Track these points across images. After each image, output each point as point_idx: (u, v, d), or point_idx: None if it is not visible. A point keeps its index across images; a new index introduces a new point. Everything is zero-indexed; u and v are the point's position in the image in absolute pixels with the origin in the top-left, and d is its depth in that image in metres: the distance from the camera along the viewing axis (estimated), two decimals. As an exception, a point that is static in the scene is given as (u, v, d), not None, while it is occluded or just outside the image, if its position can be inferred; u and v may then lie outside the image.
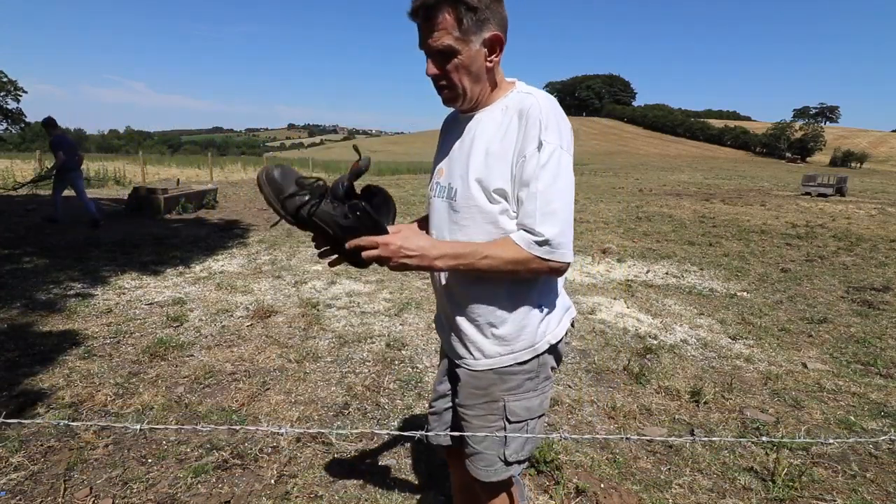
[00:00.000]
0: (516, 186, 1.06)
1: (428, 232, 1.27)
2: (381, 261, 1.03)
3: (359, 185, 1.11)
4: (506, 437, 1.22)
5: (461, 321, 1.20)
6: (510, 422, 1.22)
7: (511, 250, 1.04)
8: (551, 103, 1.08)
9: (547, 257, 1.03)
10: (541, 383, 1.24)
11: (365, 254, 1.04)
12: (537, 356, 1.20)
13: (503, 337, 1.17)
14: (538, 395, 1.24)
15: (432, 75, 1.09)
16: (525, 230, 1.04)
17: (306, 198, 1.05)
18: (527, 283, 1.15)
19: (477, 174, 1.10)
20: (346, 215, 1.03)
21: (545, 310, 1.19)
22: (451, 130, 1.24)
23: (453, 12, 1.01)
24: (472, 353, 1.21)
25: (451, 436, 1.39)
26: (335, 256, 1.13)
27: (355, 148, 1.09)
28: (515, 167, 1.06)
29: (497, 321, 1.16)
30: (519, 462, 1.26)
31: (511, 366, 1.19)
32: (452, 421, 1.38)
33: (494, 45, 1.08)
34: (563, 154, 1.04)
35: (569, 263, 1.07)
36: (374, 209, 1.05)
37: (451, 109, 1.25)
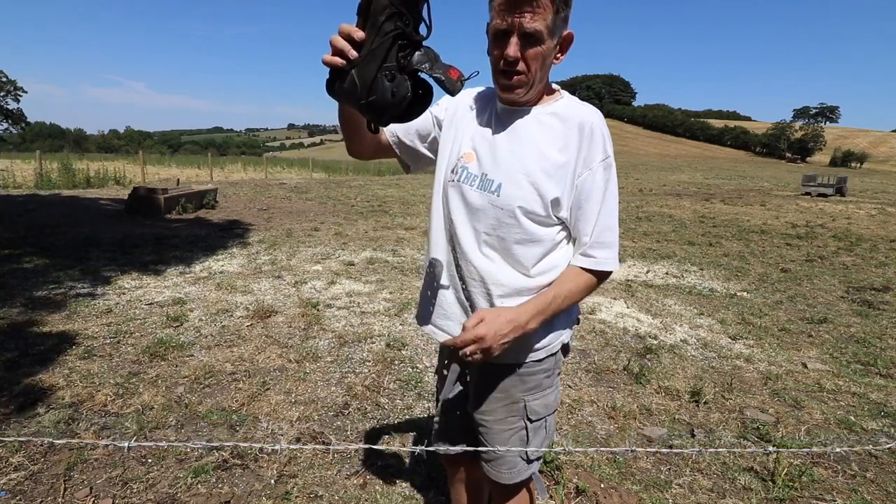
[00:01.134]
0: (577, 197, 1.10)
1: (445, 217, 1.19)
2: (484, 354, 1.05)
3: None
4: (527, 436, 1.23)
5: None
6: (531, 420, 1.23)
7: (585, 278, 1.12)
8: (604, 120, 1.14)
9: (603, 270, 1.12)
10: (555, 379, 1.27)
11: (468, 356, 1.04)
12: (552, 355, 1.22)
13: (522, 339, 1.14)
14: (553, 391, 1.27)
15: (515, 58, 1.01)
16: (601, 247, 1.10)
17: (396, 17, 0.82)
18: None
19: (532, 178, 1.08)
20: (388, 72, 0.83)
21: (562, 313, 1.19)
22: (484, 115, 1.18)
23: (554, 1, 0.99)
24: None
25: (465, 448, 1.37)
26: (341, 62, 0.85)
27: (475, 74, 0.93)
28: (578, 178, 1.08)
29: None
30: (539, 458, 1.29)
31: (528, 364, 1.19)
32: (465, 428, 1.34)
33: (565, 45, 1.08)
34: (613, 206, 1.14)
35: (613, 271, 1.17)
36: (407, 103, 0.86)
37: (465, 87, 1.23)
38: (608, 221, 1.10)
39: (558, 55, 1.08)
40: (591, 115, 1.10)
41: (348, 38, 0.84)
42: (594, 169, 1.08)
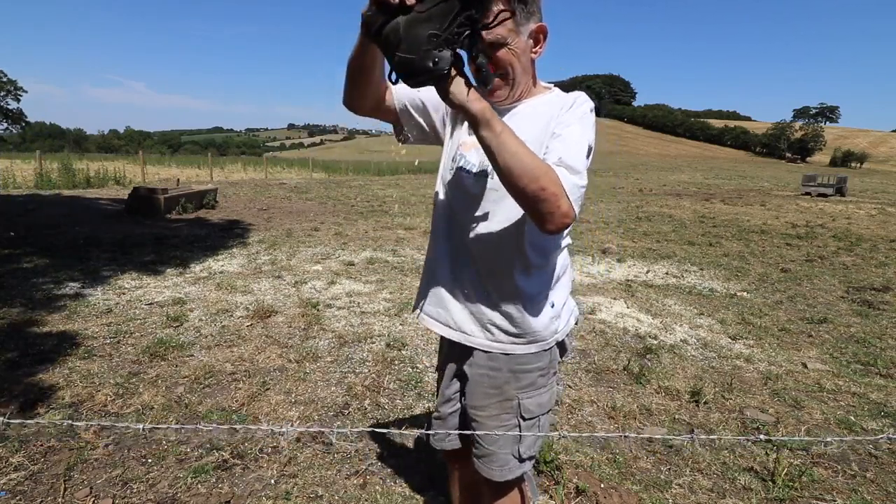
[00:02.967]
0: (551, 140, 1.04)
1: (446, 205, 1.22)
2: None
3: None
4: (520, 434, 1.23)
5: (479, 302, 1.19)
6: (524, 419, 1.23)
7: (548, 167, 0.94)
8: (590, 101, 1.13)
9: (573, 199, 0.95)
10: (550, 378, 1.27)
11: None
12: (547, 350, 1.22)
13: (517, 327, 1.18)
14: (548, 391, 1.27)
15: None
16: (566, 167, 0.96)
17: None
18: (548, 281, 1.18)
19: None
20: (437, 39, 0.79)
21: (556, 308, 1.22)
22: None
23: (507, 3, 1.01)
24: (489, 331, 1.20)
25: (460, 438, 1.38)
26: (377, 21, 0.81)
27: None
28: (554, 130, 1.05)
29: (514, 310, 1.17)
30: (531, 458, 1.29)
31: (523, 358, 1.20)
32: (461, 423, 1.37)
33: (539, 36, 1.09)
34: (589, 142, 1.06)
35: (571, 223, 0.98)
36: (439, 77, 0.82)
37: None
38: (575, 151, 1.00)
39: (535, 48, 1.10)
40: (578, 95, 1.13)
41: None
42: (569, 122, 1.06)
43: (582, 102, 1.10)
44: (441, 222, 1.25)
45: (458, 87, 0.86)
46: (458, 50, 0.84)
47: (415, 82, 0.84)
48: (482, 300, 1.19)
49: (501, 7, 0.99)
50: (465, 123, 1.19)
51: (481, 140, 0.91)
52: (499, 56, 1.04)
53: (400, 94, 1.18)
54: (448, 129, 1.24)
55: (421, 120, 1.22)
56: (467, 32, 0.82)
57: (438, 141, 1.27)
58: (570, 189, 0.94)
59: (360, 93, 1.09)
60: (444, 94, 0.87)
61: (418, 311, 1.33)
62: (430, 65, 0.80)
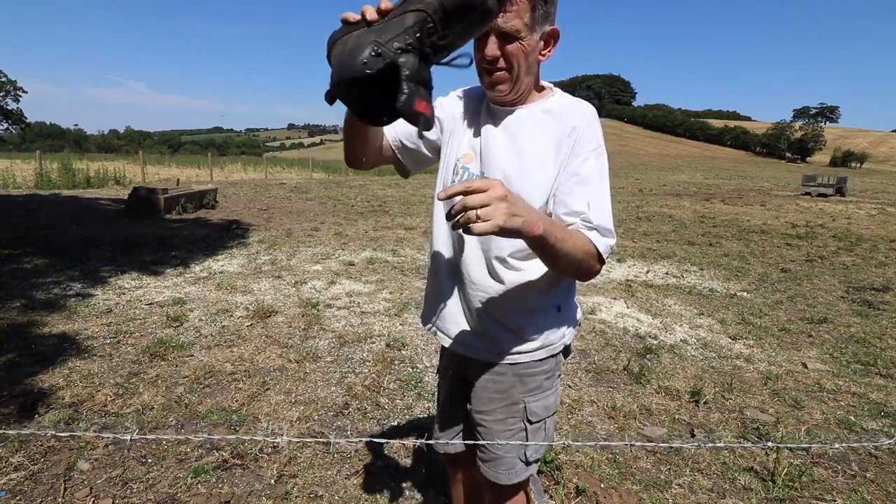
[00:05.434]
0: (566, 182, 1.05)
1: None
2: (486, 214, 0.78)
3: None
4: (526, 438, 1.23)
5: (484, 316, 1.17)
6: (531, 422, 1.23)
7: (586, 242, 0.99)
8: (596, 113, 1.14)
9: (606, 257, 1.02)
10: (555, 381, 1.27)
11: (467, 200, 0.79)
12: (553, 356, 1.21)
13: (525, 336, 1.17)
14: (553, 393, 1.26)
15: (493, 57, 1.03)
16: (598, 230, 1.01)
17: (425, 21, 0.78)
18: (553, 286, 1.16)
19: (531, 175, 1.08)
20: (377, 48, 0.76)
21: (564, 312, 1.21)
22: (479, 114, 1.18)
23: None
24: (494, 345, 1.19)
25: (464, 443, 1.38)
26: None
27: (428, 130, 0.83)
28: (570, 166, 1.06)
29: (521, 320, 1.16)
30: (537, 461, 1.29)
31: (530, 364, 1.19)
32: (465, 428, 1.36)
33: (550, 40, 1.07)
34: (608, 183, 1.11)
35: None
36: (360, 80, 0.77)
37: (464, 84, 1.22)
38: (601, 204, 1.04)
39: (544, 51, 1.08)
40: (583, 110, 1.10)
41: (378, 9, 0.80)
42: (586, 156, 1.06)
43: (592, 119, 1.09)
44: (441, 236, 1.22)
45: (514, 215, 0.82)
46: (397, 63, 0.78)
47: (339, 84, 0.80)
48: (488, 311, 1.17)
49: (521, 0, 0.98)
50: (465, 133, 1.18)
51: (538, 254, 0.97)
52: (508, 50, 1.02)
53: (395, 132, 1.19)
54: (445, 137, 1.22)
55: (419, 146, 1.22)
56: (411, 55, 0.79)
57: (438, 158, 1.26)
58: (604, 251, 1.01)
59: (363, 150, 1.13)
60: (510, 230, 0.82)
61: (427, 323, 1.31)
62: (358, 64, 0.77)
